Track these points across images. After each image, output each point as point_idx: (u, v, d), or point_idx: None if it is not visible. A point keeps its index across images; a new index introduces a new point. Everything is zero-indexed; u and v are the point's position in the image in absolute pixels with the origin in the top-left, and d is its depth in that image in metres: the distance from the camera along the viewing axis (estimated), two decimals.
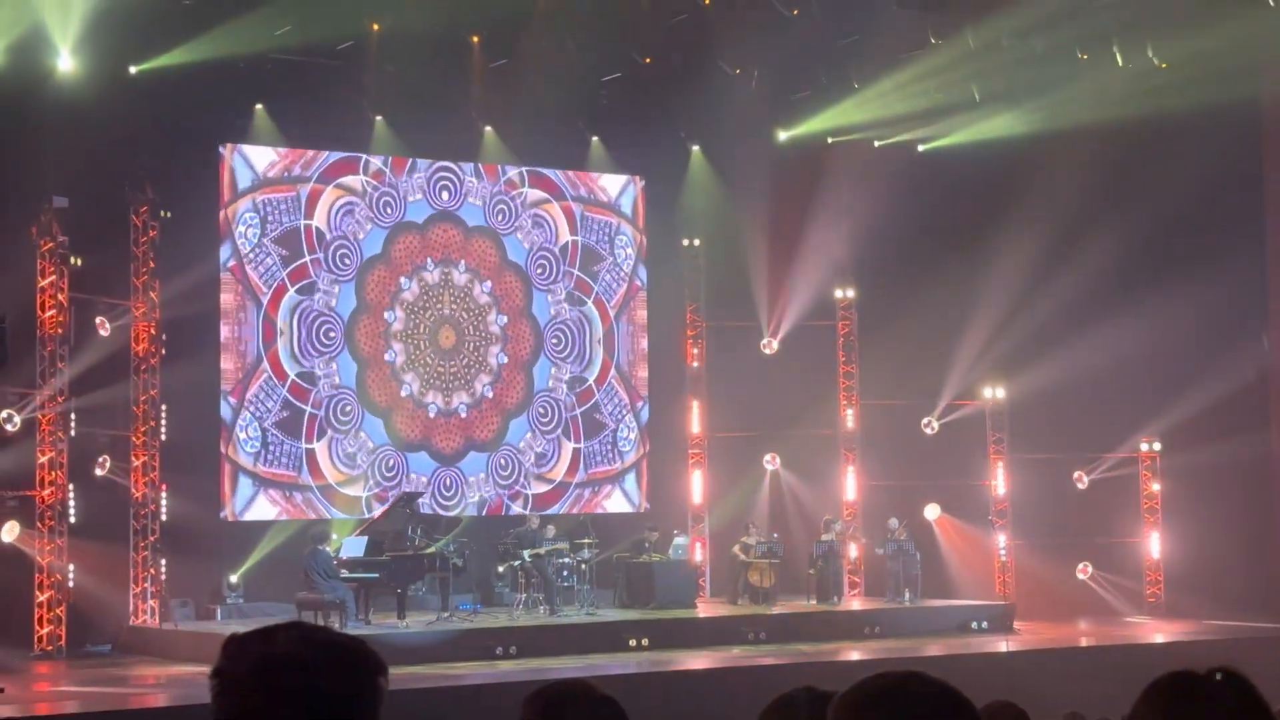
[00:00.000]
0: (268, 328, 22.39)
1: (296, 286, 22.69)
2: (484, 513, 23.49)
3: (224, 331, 22.09)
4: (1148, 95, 21.76)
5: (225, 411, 22.09)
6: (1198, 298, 23.11)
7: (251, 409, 22.24)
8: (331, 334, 22.86)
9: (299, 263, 22.75)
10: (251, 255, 22.41)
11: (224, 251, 22.21)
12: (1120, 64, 21.72)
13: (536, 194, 24.49)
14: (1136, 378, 23.93)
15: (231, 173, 22.26)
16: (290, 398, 22.54)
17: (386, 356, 23.25)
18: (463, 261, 23.90)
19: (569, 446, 24.55)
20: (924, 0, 19.08)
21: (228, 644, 2.62)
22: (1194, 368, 23.44)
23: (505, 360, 24.17)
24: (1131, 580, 24.70)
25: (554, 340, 24.57)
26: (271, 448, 22.33)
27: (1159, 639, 21.77)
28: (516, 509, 23.78)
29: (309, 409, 22.65)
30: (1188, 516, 24.18)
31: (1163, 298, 23.01)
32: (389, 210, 23.46)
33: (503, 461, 23.97)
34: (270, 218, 22.55)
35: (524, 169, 24.34)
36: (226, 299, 22.19)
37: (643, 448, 25.14)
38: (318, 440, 22.69)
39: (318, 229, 22.90)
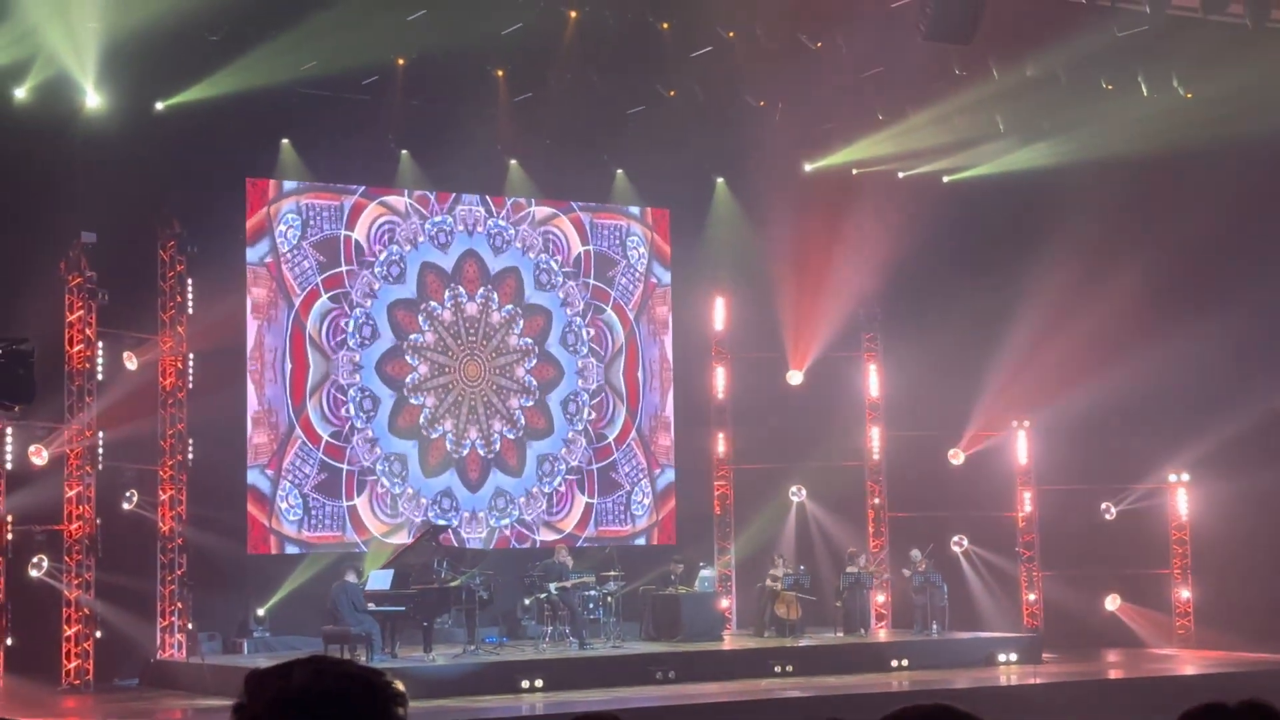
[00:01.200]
0: (296, 335, 22.48)
1: (330, 294, 22.86)
2: (492, 545, 23.44)
3: (251, 329, 22.21)
4: (1174, 127, 21.73)
5: (264, 484, 22.23)
6: (1225, 328, 23.05)
7: (290, 477, 22.38)
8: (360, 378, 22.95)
9: (334, 271, 22.90)
10: (289, 255, 22.61)
11: (262, 247, 22.43)
12: (1145, 95, 21.70)
13: (544, 210, 24.53)
14: (1164, 408, 23.86)
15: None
16: (326, 459, 22.66)
17: (414, 399, 23.31)
18: (481, 291, 23.94)
19: (581, 500, 24.48)
20: (949, 33, 19.07)
21: (248, 679, 2.66)
22: (1222, 398, 23.36)
23: (531, 398, 24.19)
24: (1160, 612, 24.57)
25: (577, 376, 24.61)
26: (314, 512, 22.46)
27: (1189, 671, 21.63)
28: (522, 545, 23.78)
29: (345, 466, 22.76)
30: (1217, 548, 24.05)
31: (1190, 328, 22.95)
32: (428, 237, 23.61)
33: (502, 503, 23.89)
34: (312, 222, 22.77)
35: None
36: (258, 293, 22.34)
37: (655, 514, 24.92)
38: (358, 495, 22.81)
39: (357, 242, 23.06)
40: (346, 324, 23.00)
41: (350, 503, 22.79)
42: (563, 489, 24.34)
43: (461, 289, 23.82)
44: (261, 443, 22.28)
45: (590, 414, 24.63)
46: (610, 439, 24.83)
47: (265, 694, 2.62)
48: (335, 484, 22.73)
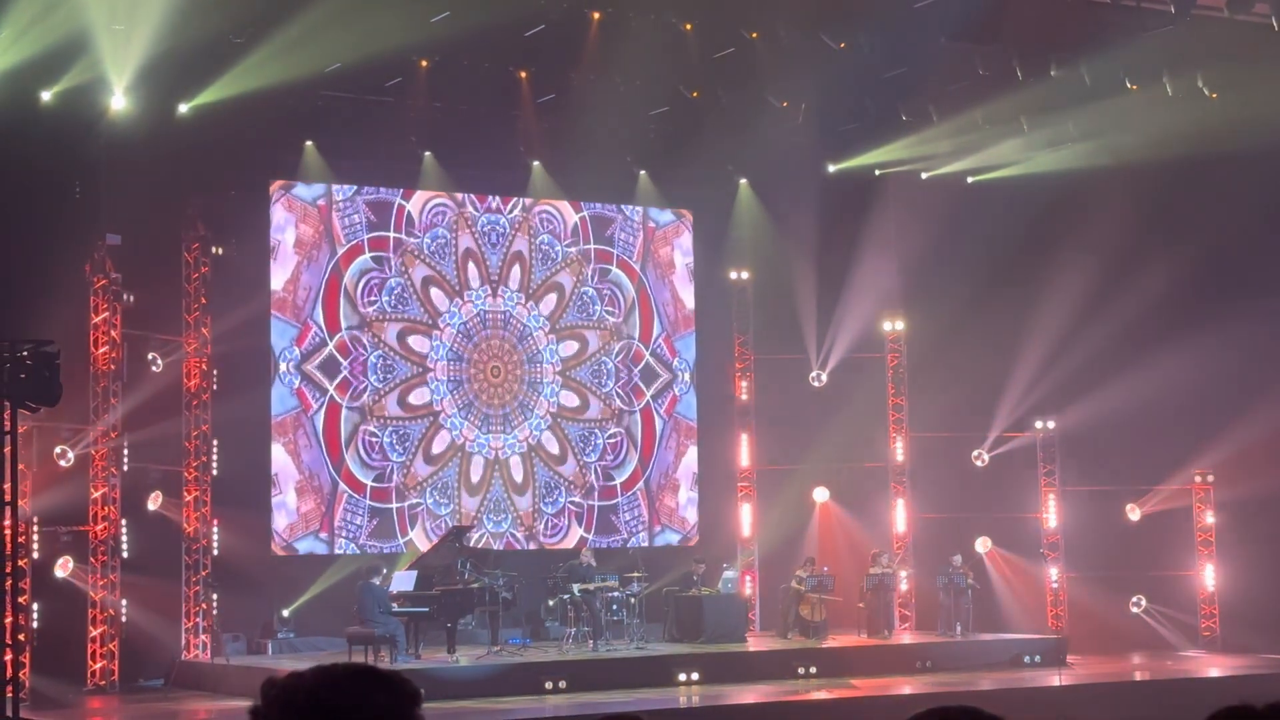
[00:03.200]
0: (332, 283, 22.62)
1: (372, 254, 22.99)
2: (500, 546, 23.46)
3: (289, 262, 22.31)
4: (1199, 130, 21.63)
5: (320, 548, 22.37)
6: (1250, 329, 22.95)
7: (344, 533, 22.45)
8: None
9: (382, 234, 23.05)
10: (342, 205, 22.81)
11: (318, 189, 22.70)
12: (1170, 94, 21.59)
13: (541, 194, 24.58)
14: (1189, 409, 23.76)
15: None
16: (375, 504, 22.73)
17: (433, 400, 23.36)
18: (504, 289, 23.99)
19: (577, 531, 24.38)
20: (972, 32, 19.04)
21: (265, 685, 2.69)
22: (1247, 399, 23.25)
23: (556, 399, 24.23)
24: (1186, 613, 24.46)
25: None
26: (367, 549, 22.48)
27: (1214, 673, 21.53)
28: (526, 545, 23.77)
29: (394, 505, 22.78)
30: (1242, 549, 23.96)
31: (1215, 329, 22.86)
32: (471, 228, 23.79)
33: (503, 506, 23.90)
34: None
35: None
36: (305, 230, 22.52)
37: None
38: (412, 529, 22.99)
39: (410, 214, 23.26)
40: (382, 287, 23.06)
41: (405, 538, 22.95)
42: (560, 519, 24.23)
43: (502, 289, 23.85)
44: (309, 509, 22.37)
45: (602, 443, 24.47)
46: (618, 481, 24.62)
47: (280, 697, 2.63)
48: (389, 525, 22.85)
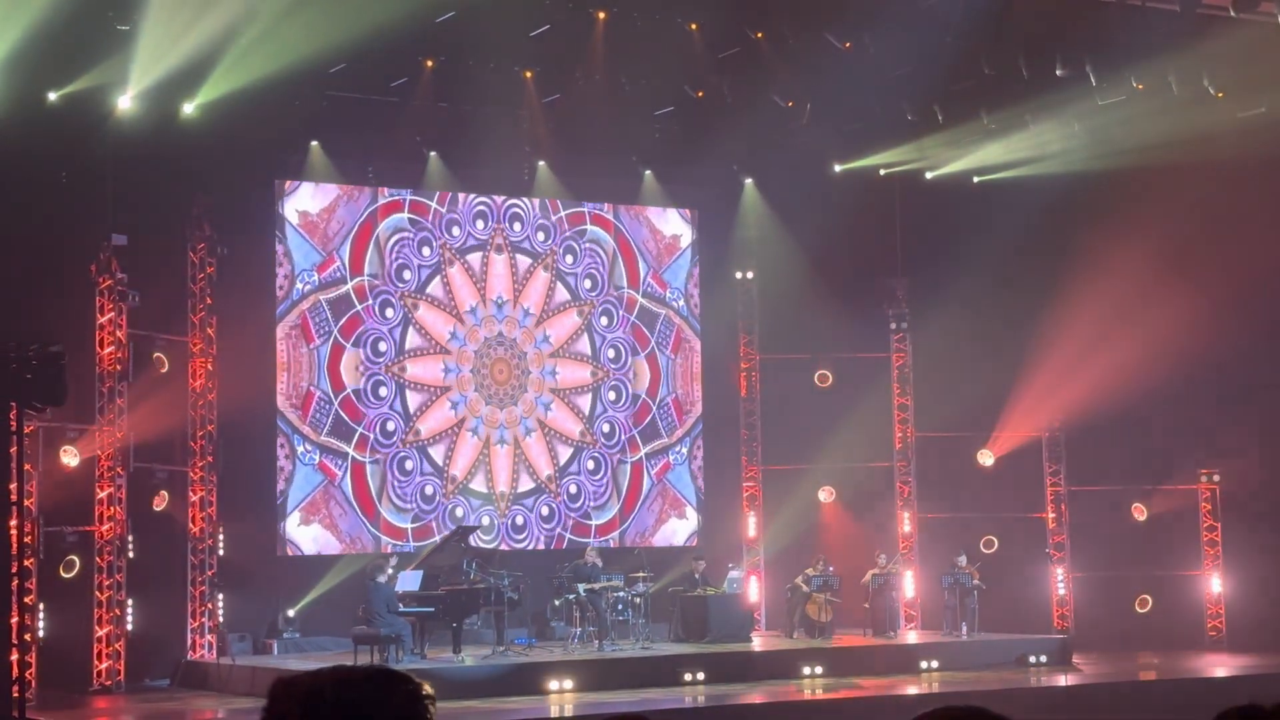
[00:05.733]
0: (366, 227, 22.70)
1: (410, 216, 23.35)
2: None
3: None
4: (1205, 131, 21.61)
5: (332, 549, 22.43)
6: (1258, 327, 22.92)
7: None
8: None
9: (424, 200, 23.51)
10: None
11: None
12: (1175, 92, 21.54)
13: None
14: (1195, 409, 23.74)
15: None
16: (419, 543, 22.69)
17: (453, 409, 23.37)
18: (509, 297, 24.01)
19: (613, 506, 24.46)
20: (978, 32, 19.01)
21: (274, 686, 2.69)
22: (1254, 399, 23.23)
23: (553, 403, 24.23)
24: (1192, 614, 24.44)
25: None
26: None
27: (1221, 673, 21.51)
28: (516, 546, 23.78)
29: (437, 537, 22.55)
30: (1249, 549, 23.93)
31: (1223, 328, 22.82)
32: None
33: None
34: None
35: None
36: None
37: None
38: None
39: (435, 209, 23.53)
40: (412, 254, 23.20)
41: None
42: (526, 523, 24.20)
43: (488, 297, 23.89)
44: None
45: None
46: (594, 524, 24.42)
47: (293, 698, 2.63)
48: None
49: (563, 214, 24.52)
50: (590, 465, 24.36)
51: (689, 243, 25.36)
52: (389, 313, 23.06)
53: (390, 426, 22.94)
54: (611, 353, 24.71)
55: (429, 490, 23.12)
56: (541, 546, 23.78)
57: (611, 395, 24.64)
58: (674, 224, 25.36)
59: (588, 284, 24.58)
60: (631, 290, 24.87)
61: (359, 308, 22.84)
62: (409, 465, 23.03)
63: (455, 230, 23.70)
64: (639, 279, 24.95)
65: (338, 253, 22.75)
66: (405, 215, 23.27)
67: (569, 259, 24.48)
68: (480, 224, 23.93)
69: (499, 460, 23.70)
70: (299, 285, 22.43)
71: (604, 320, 24.66)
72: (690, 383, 25.32)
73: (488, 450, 23.63)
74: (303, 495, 22.22)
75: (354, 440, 22.66)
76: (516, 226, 24.18)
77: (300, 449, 22.26)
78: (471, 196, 23.85)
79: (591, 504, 24.33)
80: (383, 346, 23.00)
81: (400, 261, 23.18)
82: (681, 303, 25.30)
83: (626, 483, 24.62)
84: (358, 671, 2.69)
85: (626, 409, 24.67)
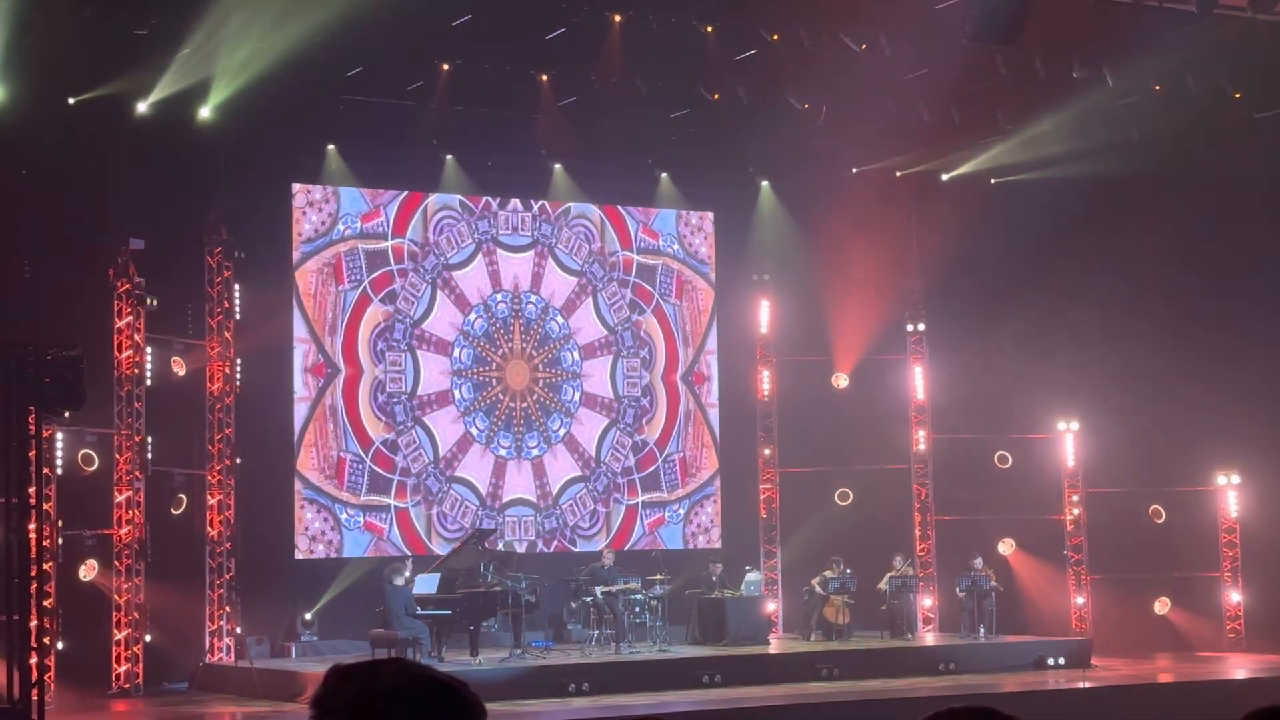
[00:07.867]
0: (414, 197, 22.77)
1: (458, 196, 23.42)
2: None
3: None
4: (1222, 135, 21.54)
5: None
6: (1276, 328, 22.84)
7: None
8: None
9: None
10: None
11: None
12: (1194, 93, 21.47)
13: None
14: (1214, 410, 23.66)
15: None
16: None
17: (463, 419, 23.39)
18: (524, 292, 24.00)
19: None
20: (994, 33, 18.96)
21: (330, 674, 2.62)
22: (1274, 400, 23.16)
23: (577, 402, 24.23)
24: (1212, 615, 24.36)
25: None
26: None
27: (1240, 675, 21.45)
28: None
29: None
30: (1269, 550, 23.85)
31: (1240, 329, 22.75)
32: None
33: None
34: None
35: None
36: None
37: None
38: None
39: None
40: (454, 235, 23.35)
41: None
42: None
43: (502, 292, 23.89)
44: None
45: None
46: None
47: (349, 691, 2.59)
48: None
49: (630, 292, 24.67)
50: (585, 497, 24.24)
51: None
52: (419, 284, 23.09)
53: (416, 467, 22.93)
54: (624, 314, 24.66)
55: (468, 515, 23.11)
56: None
57: (623, 439, 24.50)
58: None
59: (584, 253, 24.48)
60: (626, 252, 24.84)
61: (393, 267, 22.92)
62: (448, 502, 23.08)
63: (497, 225, 23.74)
64: (630, 239, 24.92)
65: (385, 209, 22.92)
66: (456, 196, 23.42)
67: (565, 237, 24.39)
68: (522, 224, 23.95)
69: (522, 471, 23.69)
70: (340, 227, 22.58)
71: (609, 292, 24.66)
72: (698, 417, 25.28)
73: (516, 464, 23.66)
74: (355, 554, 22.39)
75: (393, 489, 22.71)
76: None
77: (343, 516, 22.31)
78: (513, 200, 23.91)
79: (580, 533, 24.20)
80: (405, 309, 22.97)
81: (445, 236, 23.28)
82: (676, 246, 25.22)
83: (618, 524, 24.42)
84: (419, 681, 2.60)
85: (628, 455, 24.55)
